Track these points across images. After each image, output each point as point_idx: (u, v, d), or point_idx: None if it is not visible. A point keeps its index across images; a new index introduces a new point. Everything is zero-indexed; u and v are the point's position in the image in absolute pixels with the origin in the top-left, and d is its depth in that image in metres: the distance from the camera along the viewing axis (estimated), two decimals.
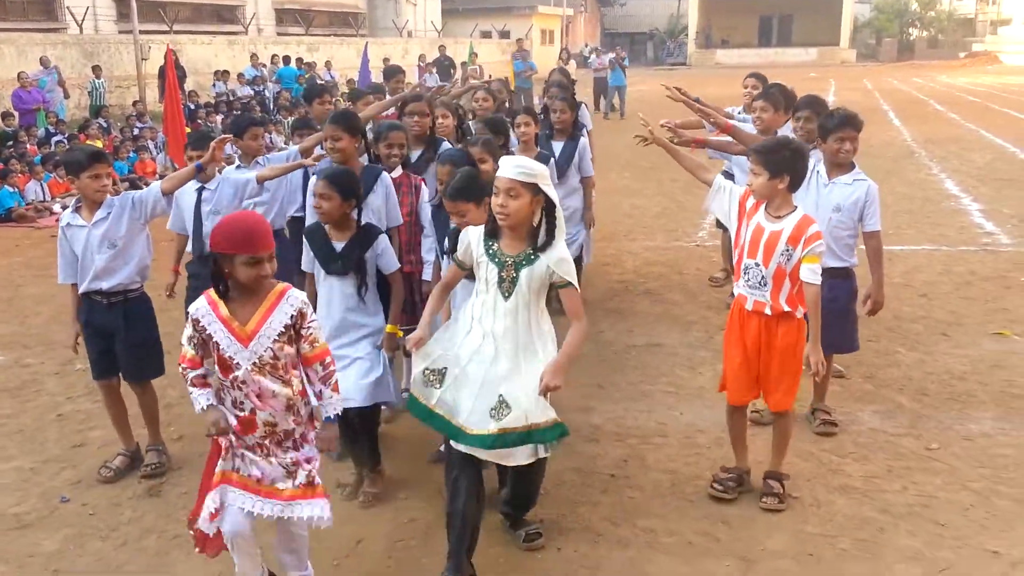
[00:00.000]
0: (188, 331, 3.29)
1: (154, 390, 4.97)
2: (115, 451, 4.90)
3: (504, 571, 3.82)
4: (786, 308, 4.10)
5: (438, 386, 3.62)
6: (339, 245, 4.29)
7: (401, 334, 4.34)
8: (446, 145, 5.70)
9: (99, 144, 14.38)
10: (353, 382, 4.21)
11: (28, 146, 13.92)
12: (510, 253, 3.56)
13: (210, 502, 3.34)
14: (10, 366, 6.49)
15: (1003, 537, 3.96)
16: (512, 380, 3.54)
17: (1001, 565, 3.76)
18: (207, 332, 3.24)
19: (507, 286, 3.55)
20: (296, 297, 3.33)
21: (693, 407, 5.45)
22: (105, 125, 16.14)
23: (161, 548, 4.07)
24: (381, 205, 4.82)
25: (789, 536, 4.02)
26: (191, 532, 3.47)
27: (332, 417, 3.40)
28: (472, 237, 3.66)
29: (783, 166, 4.05)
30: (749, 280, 4.17)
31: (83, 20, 23.94)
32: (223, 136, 5.14)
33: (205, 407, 3.29)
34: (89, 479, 4.74)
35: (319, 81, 24.13)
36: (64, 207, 12.23)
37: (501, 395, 3.51)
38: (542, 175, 3.49)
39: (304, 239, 4.39)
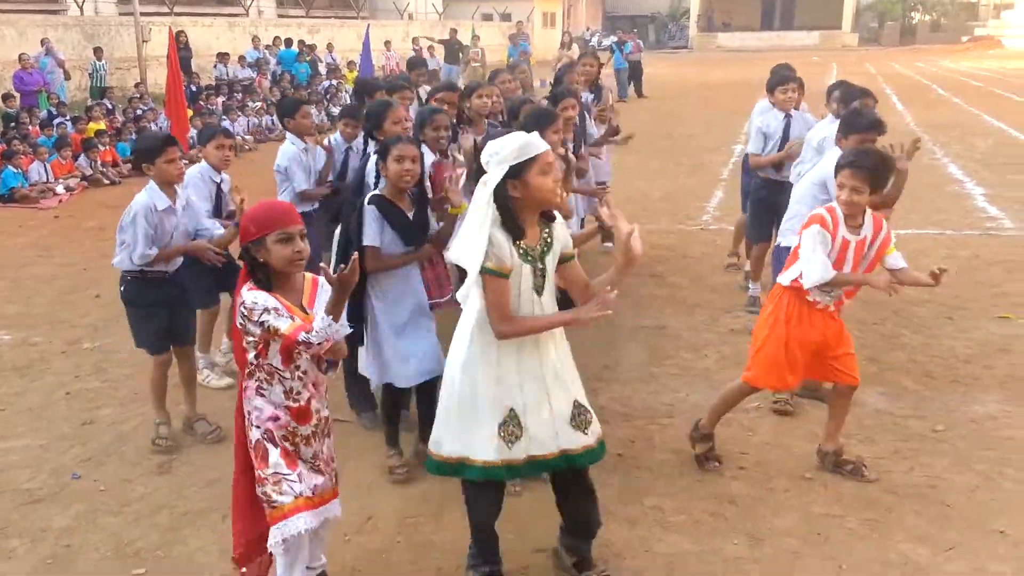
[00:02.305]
0: (270, 315, 3.04)
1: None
2: (130, 428, 5.07)
3: (515, 547, 3.82)
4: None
5: (520, 433, 3.28)
6: (410, 214, 4.31)
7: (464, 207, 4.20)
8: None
9: (102, 126, 14.37)
10: (426, 354, 4.31)
11: (31, 127, 13.88)
12: (534, 245, 3.27)
13: (278, 537, 3.17)
14: (17, 345, 6.50)
15: (1009, 517, 3.99)
16: (576, 382, 3.41)
17: (1007, 545, 3.79)
18: (282, 313, 3.07)
19: (539, 282, 3.28)
20: (328, 287, 3.16)
21: (699, 388, 5.47)
22: (110, 107, 16.09)
23: (173, 524, 4.10)
24: None
25: (797, 515, 4.05)
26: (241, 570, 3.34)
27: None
28: (503, 241, 3.19)
29: (882, 181, 4.17)
30: (832, 292, 4.23)
31: (84, 2, 23.81)
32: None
33: (332, 324, 3.02)
34: (99, 456, 4.77)
35: (320, 63, 24.12)
36: (68, 188, 12.30)
37: (576, 400, 3.37)
38: None
39: (373, 210, 4.23)
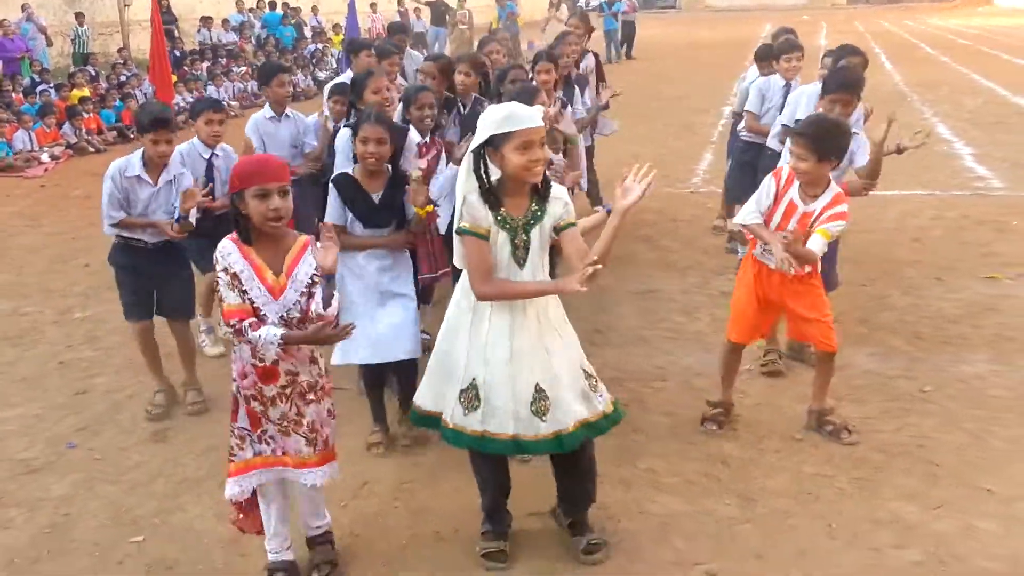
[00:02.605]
0: (224, 279, 3.13)
1: (191, 331, 5.10)
2: (124, 396, 5.08)
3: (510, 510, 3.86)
4: (807, 270, 4.22)
5: (478, 404, 3.30)
6: (376, 196, 4.26)
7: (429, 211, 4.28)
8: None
9: (86, 92, 14.21)
10: (391, 336, 4.25)
11: (14, 95, 13.72)
12: (517, 215, 3.25)
13: (235, 489, 3.32)
14: (8, 314, 6.49)
15: (996, 475, 4.05)
16: (547, 367, 3.31)
17: (995, 503, 3.85)
18: (237, 280, 3.13)
19: (520, 253, 3.26)
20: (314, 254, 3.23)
21: (691, 351, 5.51)
22: (93, 73, 15.90)
23: (170, 491, 4.13)
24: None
25: (788, 476, 4.10)
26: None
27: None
28: (477, 204, 3.24)
29: (830, 150, 4.06)
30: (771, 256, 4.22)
31: None
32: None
33: (281, 336, 3.09)
34: (95, 425, 4.79)
35: (305, 26, 23.84)
36: (53, 157, 12.19)
37: (538, 384, 3.29)
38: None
39: (333, 190, 4.25)
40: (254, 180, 3.10)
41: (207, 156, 5.36)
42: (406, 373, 4.44)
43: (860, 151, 4.85)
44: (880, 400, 4.80)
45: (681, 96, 17.11)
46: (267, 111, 6.00)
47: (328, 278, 3.17)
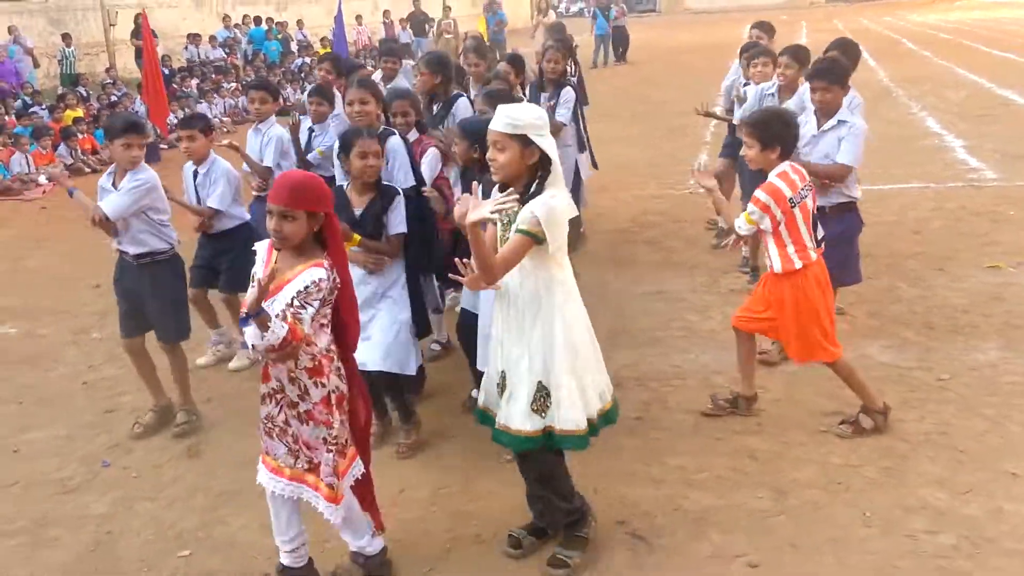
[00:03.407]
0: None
1: (184, 352, 5.08)
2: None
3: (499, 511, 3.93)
4: (786, 265, 4.32)
5: (507, 394, 3.42)
6: (358, 210, 4.33)
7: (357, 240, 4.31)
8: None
9: (79, 113, 14.22)
10: (373, 346, 4.31)
11: (7, 118, 13.71)
12: (517, 209, 3.27)
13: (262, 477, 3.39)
14: (23, 337, 6.52)
15: (1019, 459, 4.15)
16: (509, 362, 3.39)
17: (1020, 486, 3.94)
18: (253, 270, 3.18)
19: (501, 245, 3.36)
20: (312, 274, 3.13)
21: (707, 349, 5.60)
22: (85, 94, 15.89)
23: (210, 505, 4.18)
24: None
25: (816, 467, 4.19)
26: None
27: (244, 318, 3.03)
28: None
29: (774, 138, 4.25)
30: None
31: None
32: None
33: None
34: (126, 443, 4.83)
35: (291, 40, 23.88)
36: (48, 179, 12.18)
37: (503, 371, 3.43)
38: (531, 125, 3.19)
39: None
40: (270, 197, 3.15)
41: (191, 172, 5.52)
42: (387, 385, 4.53)
43: (847, 139, 4.94)
44: (899, 391, 4.89)
45: (668, 100, 17.22)
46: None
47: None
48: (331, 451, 3.28)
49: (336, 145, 4.57)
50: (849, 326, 5.72)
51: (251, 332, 3.02)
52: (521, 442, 3.38)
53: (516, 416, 3.36)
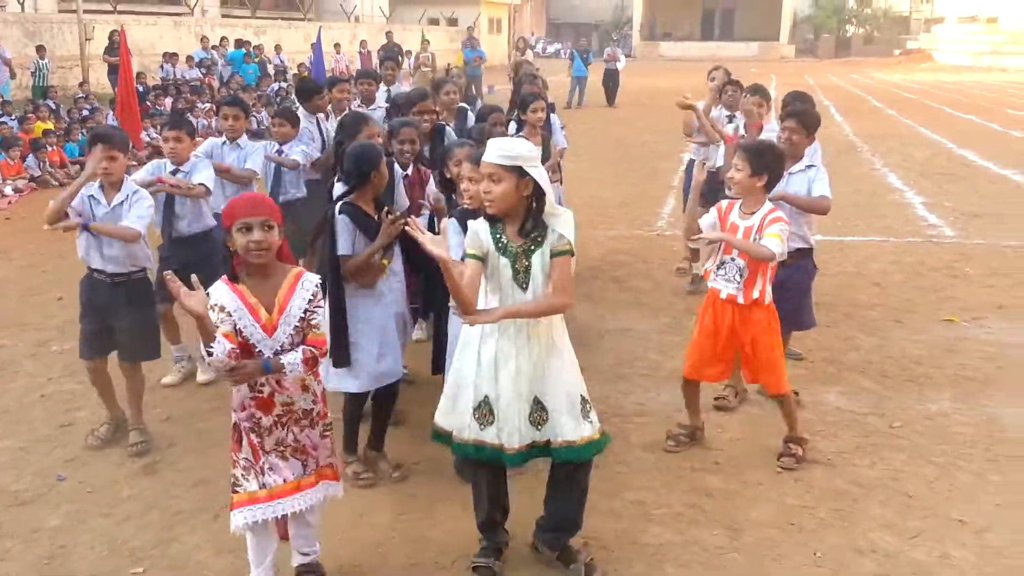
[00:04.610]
0: (215, 315, 3.16)
1: (143, 372, 5.04)
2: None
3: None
4: (755, 297, 4.45)
5: (491, 420, 3.48)
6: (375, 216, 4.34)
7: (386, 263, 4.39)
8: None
9: (50, 125, 14.12)
10: (397, 356, 4.44)
11: None
12: (518, 242, 3.42)
13: (240, 521, 3.36)
14: None
15: (967, 507, 4.26)
16: (544, 381, 3.48)
17: (967, 533, 4.05)
18: (231, 319, 3.21)
19: (522, 278, 3.42)
20: (311, 280, 3.39)
21: (668, 388, 5.66)
22: (54, 107, 15.79)
23: (166, 523, 4.14)
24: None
25: (772, 507, 4.27)
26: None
27: (266, 365, 3.24)
28: (480, 229, 3.45)
29: (764, 166, 4.43)
30: (725, 274, 4.53)
31: None
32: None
33: (220, 359, 3.13)
34: (82, 458, 4.78)
35: (268, 64, 23.94)
36: (16, 190, 12.08)
37: (536, 397, 3.48)
38: (526, 157, 3.30)
39: (346, 219, 4.21)
40: (237, 215, 3.23)
41: (171, 171, 5.53)
42: (389, 397, 4.59)
43: (817, 180, 5.20)
44: (852, 436, 5.00)
45: (643, 142, 17.53)
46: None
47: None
48: (326, 436, 3.53)
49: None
50: (807, 371, 5.85)
51: (292, 365, 3.25)
52: (589, 448, 3.53)
53: (568, 429, 3.48)
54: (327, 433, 3.54)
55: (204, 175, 5.50)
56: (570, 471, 3.63)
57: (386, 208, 4.27)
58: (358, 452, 4.59)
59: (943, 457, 4.76)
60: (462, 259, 3.55)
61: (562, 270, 3.42)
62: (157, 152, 7.68)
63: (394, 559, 3.86)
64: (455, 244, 3.91)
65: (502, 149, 3.33)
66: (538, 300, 3.42)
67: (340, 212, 4.22)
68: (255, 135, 6.97)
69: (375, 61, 25.17)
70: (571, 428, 3.49)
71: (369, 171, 4.26)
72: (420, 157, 5.48)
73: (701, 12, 62.26)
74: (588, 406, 3.57)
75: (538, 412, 3.49)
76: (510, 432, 3.47)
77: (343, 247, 4.20)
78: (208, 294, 3.20)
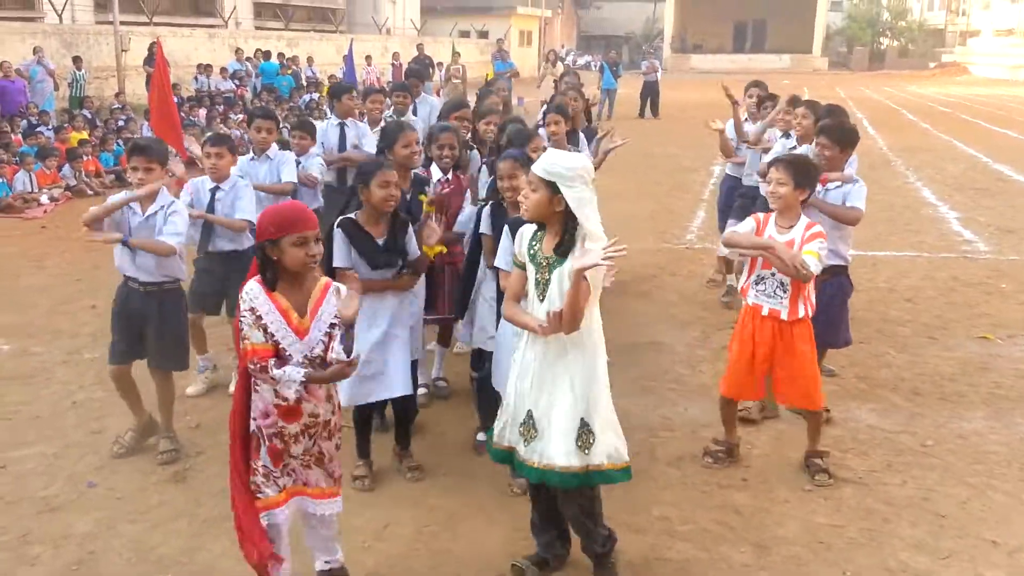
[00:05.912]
0: (249, 318, 3.25)
1: (173, 381, 5.09)
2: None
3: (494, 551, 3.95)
4: (800, 313, 4.38)
5: (535, 434, 3.51)
6: (380, 239, 4.38)
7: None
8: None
9: (85, 136, 14.34)
10: (400, 372, 4.44)
11: (13, 136, 13.82)
12: (546, 253, 3.48)
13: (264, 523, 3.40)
14: (17, 355, 6.52)
15: (1000, 528, 4.19)
16: (543, 401, 3.50)
17: (1000, 554, 3.98)
18: (262, 321, 3.26)
19: (542, 288, 3.48)
20: (340, 290, 3.46)
21: (696, 403, 5.63)
22: (90, 116, 16.04)
23: (194, 531, 4.18)
24: None
25: (799, 525, 4.22)
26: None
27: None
28: (524, 235, 3.58)
29: (807, 181, 4.42)
30: (765, 289, 4.48)
31: (62, 10, 23.70)
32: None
33: (304, 374, 3.25)
34: (112, 464, 4.83)
35: (303, 76, 24.18)
36: (52, 199, 12.27)
37: (530, 411, 3.53)
38: (563, 176, 3.31)
39: (340, 234, 4.32)
40: (294, 228, 3.24)
41: (211, 188, 5.56)
42: (404, 409, 4.64)
43: (853, 193, 5.10)
44: (884, 454, 4.93)
45: (671, 154, 17.46)
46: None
47: (348, 327, 3.33)
48: (339, 447, 3.58)
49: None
50: (838, 388, 5.78)
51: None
52: (569, 479, 3.48)
53: (559, 455, 3.45)
54: (339, 444, 3.58)
55: (247, 209, 5.50)
56: (556, 493, 3.64)
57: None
58: (370, 457, 4.67)
59: (976, 477, 4.68)
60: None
61: (571, 288, 3.34)
62: (192, 163, 7.73)
63: (418, 571, 3.86)
64: (506, 249, 4.02)
65: (546, 161, 3.42)
66: (580, 309, 3.36)
67: (337, 226, 4.34)
68: (283, 145, 6.99)
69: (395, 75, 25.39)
70: (560, 455, 3.46)
71: (356, 185, 4.36)
72: (458, 165, 5.50)
73: (733, 24, 62.02)
74: (592, 437, 3.47)
75: (529, 426, 3.53)
76: (511, 431, 3.59)
77: (339, 260, 4.30)
78: (245, 290, 3.29)
